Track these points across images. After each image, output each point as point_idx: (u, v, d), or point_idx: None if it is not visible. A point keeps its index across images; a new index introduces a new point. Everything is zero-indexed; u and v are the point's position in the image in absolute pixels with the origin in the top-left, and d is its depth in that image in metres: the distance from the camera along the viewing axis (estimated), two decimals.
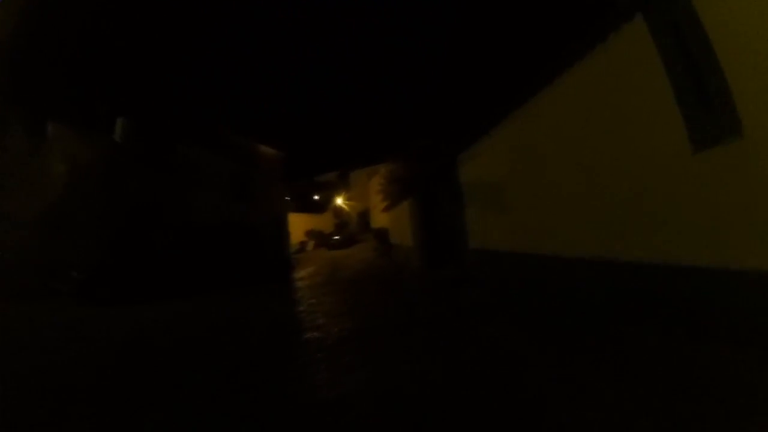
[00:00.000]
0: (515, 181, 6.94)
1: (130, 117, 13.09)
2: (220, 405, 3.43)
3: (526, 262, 6.58)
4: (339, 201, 48.47)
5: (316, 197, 51.15)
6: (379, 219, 30.30)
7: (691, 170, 3.57)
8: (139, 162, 12.84)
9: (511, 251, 7.08)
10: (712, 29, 3.32)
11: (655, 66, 3.85)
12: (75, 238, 11.11)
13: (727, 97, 3.16)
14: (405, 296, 7.77)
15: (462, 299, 6.68)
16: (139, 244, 12.03)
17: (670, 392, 2.64)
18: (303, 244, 37.15)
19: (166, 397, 3.77)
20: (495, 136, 7.54)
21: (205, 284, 12.44)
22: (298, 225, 36.44)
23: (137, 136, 13.35)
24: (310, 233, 39.45)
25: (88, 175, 11.53)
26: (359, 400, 3.23)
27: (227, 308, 9.06)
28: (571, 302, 5.18)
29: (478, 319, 5.31)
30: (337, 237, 34.24)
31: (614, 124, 4.51)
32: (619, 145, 4.45)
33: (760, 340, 2.97)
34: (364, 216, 41.34)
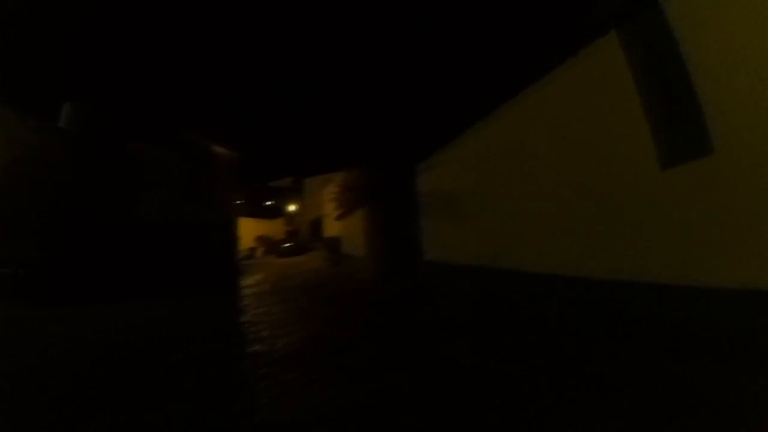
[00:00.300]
0: (475, 193, 6.89)
1: (79, 103, 12.10)
2: (148, 428, 3.05)
3: (486, 276, 6.50)
4: (292, 207, 47.70)
5: (268, 202, 50.12)
6: (332, 228, 29.94)
7: (662, 186, 3.57)
8: (85, 152, 11.83)
9: (470, 264, 6.99)
10: (687, 45, 3.32)
11: (627, 81, 3.84)
12: (10, 232, 10.09)
13: (698, 114, 3.16)
14: (355, 309, 7.49)
15: (415, 313, 6.48)
16: (81, 242, 11.08)
17: (647, 409, 2.52)
18: (253, 250, 36.20)
19: (81, 419, 3.33)
20: (455, 148, 7.49)
21: (149, 287, 11.69)
22: (249, 230, 35.48)
23: (86, 124, 12.30)
24: (261, 239, 38.53)
25: (30, 163, 10.52)
26: (304, 425, 2.94)
27: (167, 314, 8.47)
28: (533, 318, 5.09)
29: (432, 334, 5.12)
30: (288, 244, 33.65)
31: (583, 138, 4.50)
32: (588, 160, 4.44)
33: (732, 356, 2.95)
34: (316, 224, 40.81)
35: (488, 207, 6.50)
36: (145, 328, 7.13)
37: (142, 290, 11.38)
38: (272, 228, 42.87)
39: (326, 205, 33.27)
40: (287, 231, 43.83)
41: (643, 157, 3.73)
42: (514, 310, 5.57)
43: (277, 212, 48.39)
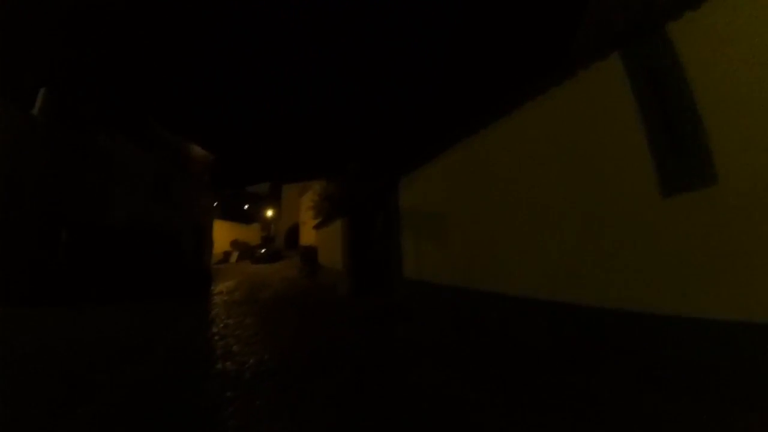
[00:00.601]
0: (459, 211, 6.78)
1: (55, 91, 11.48)
2: None
3: (464, 297, 6.38)
4: (269, 213, 47.15)
5: (245, 206, 49.40)
6: (308, 237, 29.56)
7: (657, 214, 3.51)
8: (57, 145, 11.29)
9: (449, 285, 6.86)
10: (691, 71, 3.28)
11: (626, 105, 3.79)
12: None
13: (702, 143, 3.11)
14: (329, 327, 7.26)
15: (390, 335, 6.30)
16: (41, 241, 10.49)
17: None
18: (227, 254, 35.48)
19: None
20: (440, 163, 7.38)
21: (112, 292, 11.20)
22: (223, 234, 34.81)
23: (60, 114, 11.73)
24: (235, 244, 37.81)
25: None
26: None
27: (130, 323, 8.06)
28: (513, 344, 4.98)
29: (409, 358, 4.94)
30: (263, 250, 33.15)
31: (572, 162, 4.42)
32: (577, 182, 4.36)
33: (717, 393, 2.87)
34: (292, 232, 40.35)
35: (470, 226, 6.39)
36: (103, 338, 6.73)
37: (106, 294, 10.91)
38: (248, 233, 42.16)
39: (304, 213, 32.97)
40: (263, 237, 43.25)
41: (636, 182, 3.67)
42: (494, 336, 5.45)
43: (253, 217, 47.70)
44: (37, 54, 11.62)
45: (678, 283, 3.31)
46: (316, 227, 19.73)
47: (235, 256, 35.87)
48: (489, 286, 5.86)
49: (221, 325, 7.68)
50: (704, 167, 3.11)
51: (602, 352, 3.95)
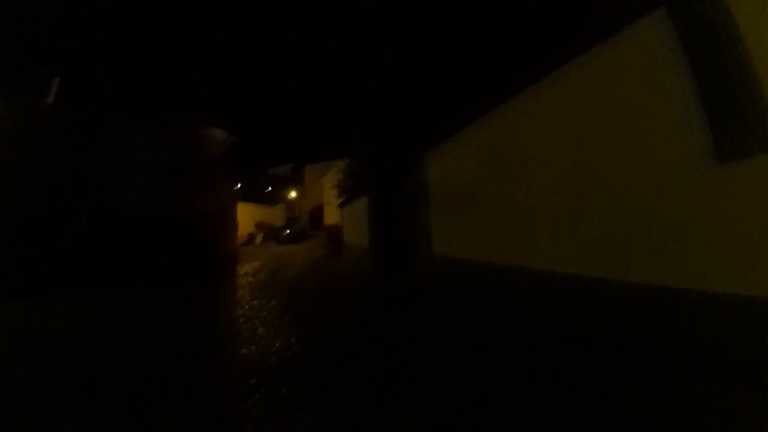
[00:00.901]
0: (490, 184, 6.33)
1: (69, 78, 11.31)
2: None
3: (498, 274, 5.98)
4: (292, 194, 47.25)
5: (269, 188, 49.58)
6: (333, 216, 29.44)
7: (710, 183, 3.10)
8: (70, 132, 11.14)
9: (482, 261, 6.47)
10: (745, 28, 2.87)
11: (674, 66, 3.33)
12: None
13: (761, 104, 2.72)
14: (355, 308, 6.98)
15: (419, 315, 5.97)
16: (55, 227, 10.46)
17: None
18: (252, 236, 35.72)
19: None
20: (469, 134, 6.91)
21: (131, 278, 11.17)
22: (248, 216, 35.03)
23: (73, 100, 11.53)
24: (260, 225, 38.02)
25: (8, 142, 9.87)
26: None
27: (151, 308, 7.95)
28: (551, 326, 4.57)
29: (434, 342, 4.60)
30: (287, 231, 33.16)
31: (618, 126, 3.94)
32: (621, 150, 3.90)
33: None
34: (316, 212, 40.35)
35: (504, 200, 5.96)
36: (122, 324, 6.61)
37: (124, 279, 10.88)
38: (272, 214, 42.36)
39: (327, 193, 32.83)
40: (287, 218, 43.41)
41: (688, 149, 3.24)
42: (529, 317, 5.04)
43: (277, 199, 47.87)
44: (49, 37, 11.44)
45: (734, 257, 2.88)
46: (341, 206, 19.46)
47: (260, 237, 36.07)
48: (525, 261, 5.45)
49: (246, 307, 7.49)
50: (765, 131, 2.68)
51: (651, 335, 3.53)
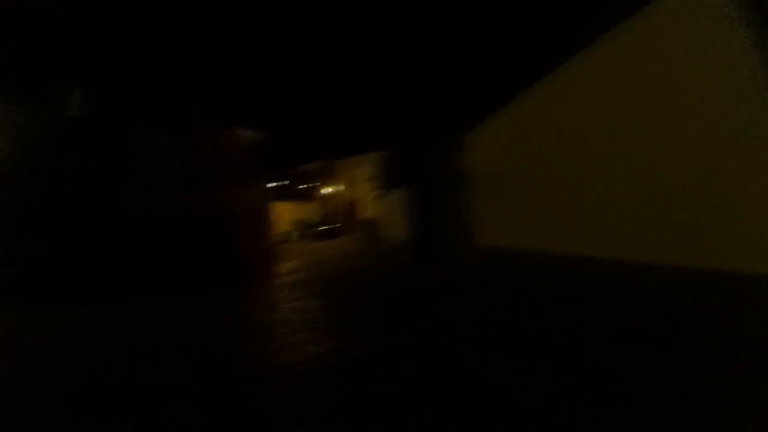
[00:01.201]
0: (534, 168, 5.87)
1: (90, 89, 11.43)
2: None
3: (542, 262, 5.54)
4: (327, 190, 47.53)
5: (303, 186, 50.05)
6: (369, 209, 29.33)
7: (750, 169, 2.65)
8: (91, 142, 11.29)
9: (526, 249, 6.04)
10: None
11: (731, 35, 2.87)
12: (8, 227, 9.66)
13: None
14: (394, 306, 6.66)
15: (460, 313, 5.58)
16: (84, 236, 10.57)
17: None
18: (288, 234, 36.22)
19: None
20: (508, 115, 6.44)
21: (166, 284, 11.23)
22: (284, 214, 35.48)
23: (95, 111, 11.57)
24: (295, 223, 38.56)
25: (32, 155, 10.07)
26: None
27: (181, 315, 7.86)
28: (612, 320, 4.10)
29: (480, 345, 4.21)
30: (323, 227, 33.42)
31: (668, 102, 3.47)
32: (674, 127, 3.43)
33: None
34: (351, 207, 40.39)
35: (548, 184, 5.50)
36: (150, 330, 6.52)
37: (146, 286, 10.91)
38: (307, 211, 42.81)
39: (361, 186, 32.74)
40: (322, 214, 43.76)
41: (750, 124, 2.75)
42: (576, 312, 4.57)
43: (311, 195, 48.23)
44: (56, 40, 11.49)
45: None
46: (375, 199, 19.19)
47: (296, 234, 36.51)
48: (572, 248, 5.00)
49: (285, 309, 7.30)
50: None
51: (710, 323, 3.06)
